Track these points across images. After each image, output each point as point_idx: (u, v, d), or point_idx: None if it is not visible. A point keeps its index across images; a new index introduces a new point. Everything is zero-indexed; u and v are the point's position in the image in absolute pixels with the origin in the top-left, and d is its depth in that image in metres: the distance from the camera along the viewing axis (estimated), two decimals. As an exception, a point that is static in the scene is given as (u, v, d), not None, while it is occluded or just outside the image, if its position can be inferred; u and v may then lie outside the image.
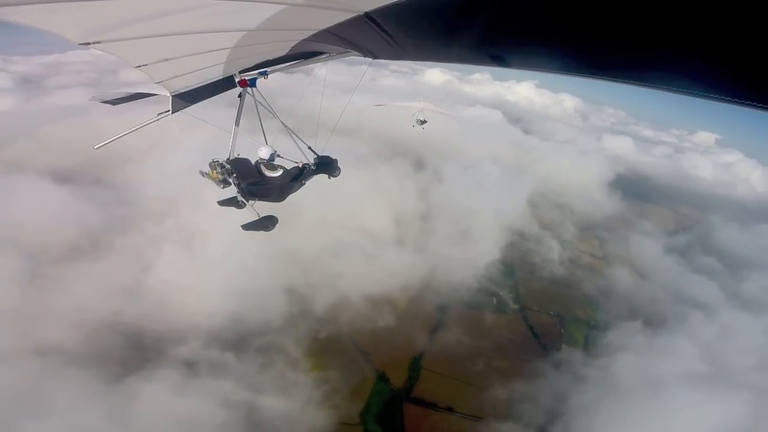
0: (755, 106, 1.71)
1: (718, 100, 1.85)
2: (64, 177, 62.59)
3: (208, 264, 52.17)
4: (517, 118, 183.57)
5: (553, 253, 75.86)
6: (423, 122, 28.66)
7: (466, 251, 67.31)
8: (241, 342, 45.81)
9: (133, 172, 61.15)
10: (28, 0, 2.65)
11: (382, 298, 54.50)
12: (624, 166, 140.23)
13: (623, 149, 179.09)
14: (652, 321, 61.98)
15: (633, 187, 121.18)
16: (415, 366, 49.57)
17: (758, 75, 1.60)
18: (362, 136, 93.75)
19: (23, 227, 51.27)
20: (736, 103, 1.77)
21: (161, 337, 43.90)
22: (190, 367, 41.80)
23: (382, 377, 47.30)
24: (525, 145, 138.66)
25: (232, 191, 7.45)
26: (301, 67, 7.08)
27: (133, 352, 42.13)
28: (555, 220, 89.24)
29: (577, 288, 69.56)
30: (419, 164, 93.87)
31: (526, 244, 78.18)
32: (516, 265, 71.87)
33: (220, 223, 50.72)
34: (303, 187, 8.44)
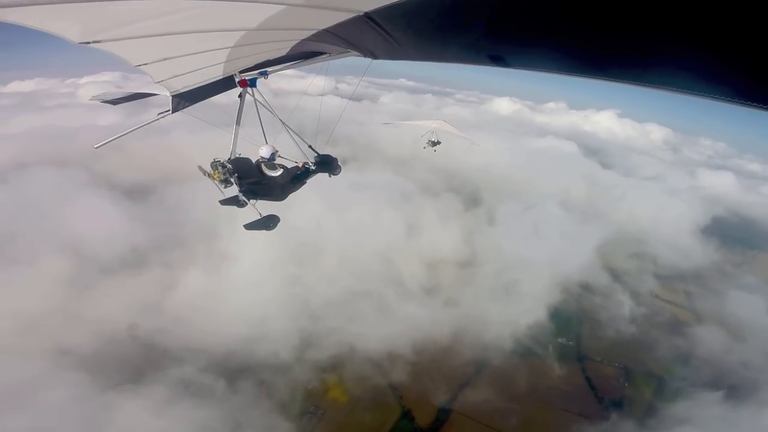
0: (755, 106, 1.77)
1: (718, 100, 1.92)
2: (133, 192, 70.68)
3: (230, 291, 54.90)
4: (595, 150, 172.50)
5: (623, 310, 68.52)
6: (436, 143, 26.42)
7: (507, 309, 61.82)
8: (239, 372, 46.93)
9: (192, 192, 66.93)
10: (28, 1, 2.77)
11: (393, 352, 52.61)
12: (723, 207, 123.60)
13: (723, 187, 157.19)
14: (738, 391, 53.78)
15: (734, 233, 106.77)
16: (446, 408, 48.05)
17: (758, 75, 1.66)
18: (416, 166, 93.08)
19: (84, 236, 58.66)
20: (736, 103, 1.83)
21: (167, 354, 46.52)
22: (181, 388, 43.43)
23: (407, 414, 46.39)
24: (602, 181, 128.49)
25: (234, 191, 7.73)
26: (304, 66, 7.33)
27: (136, 364, 44.96)
28: (631, 272, 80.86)
29: (648, 348, 62.31)
30: (472, 201, 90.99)
31: (591, 298, 71.06)
32: (575, 320, 66.06)
33: (249, 253, 55.24)
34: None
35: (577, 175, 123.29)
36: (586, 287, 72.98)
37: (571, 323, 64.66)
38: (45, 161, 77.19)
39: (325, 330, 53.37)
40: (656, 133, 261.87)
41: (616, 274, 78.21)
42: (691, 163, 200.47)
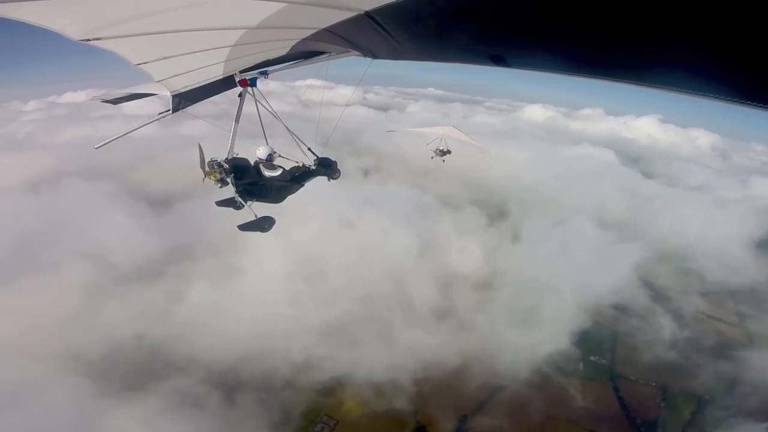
0: (755, 106, 1.79)
1: (718, 99, 1.95)
2: (159, 203, 74.05)
3: (236, 304, 55.76)
4: (635, 158, 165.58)
5: (663, 333, 64.37)
6: (444, 153, 24.38)
7: (526, 337, 58.37)
8: (237, 387, 47.27)
9: (212, 204, 69.68)
10: (28, -4, 2.95)
11: (397, 378, 51.28)
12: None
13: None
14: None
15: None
16: (462, 424, 48.11)
17: (758, 75, 1.69)
18: (440, 177, 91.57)
19: (107, 246, 61.58)
20: (736, 102, 1.86)
21: (168, 364, 47.61)
22: (177, 398, 44.00)
23: (421, 429, 46.70)
24: (642, 192, 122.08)
25: (231, 191, 7.77)
26: (304, 67, 7.43)
27: (137, 373, 46.13)
28: (674, 291, 76.24)
29: (690, 370, 58.48)
30: (497, 215, 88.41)
31: (627, 321, 67.28)
32: (606, 342, 62.91)
33: (258, 267, 56.54)
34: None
35: (615, 186, 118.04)
36: (622, 309, 69.38)
37: (603, 344, 62.20)
38: (80, 172, 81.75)
39: (327, 351, 53.20)
40: (702, 138, 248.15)
41: (656, 294, 74.24)
42: (743, 170, 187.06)
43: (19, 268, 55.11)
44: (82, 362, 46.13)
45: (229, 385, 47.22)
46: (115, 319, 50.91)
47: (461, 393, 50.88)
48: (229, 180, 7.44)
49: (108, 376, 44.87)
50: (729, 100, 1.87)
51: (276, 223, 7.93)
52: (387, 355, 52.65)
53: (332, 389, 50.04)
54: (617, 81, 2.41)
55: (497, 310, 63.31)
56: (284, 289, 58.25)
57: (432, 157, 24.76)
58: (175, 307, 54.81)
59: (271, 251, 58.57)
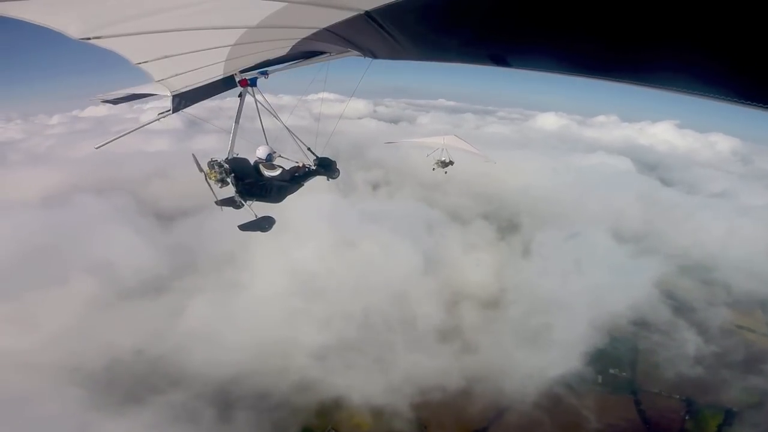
0: (755, 106, 1.80)
1: (718, 99, 1.96)
2: (168, 218, 75.20)
3: (236, 321, 55.92)
4: (652, 165, 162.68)
5: (687, 347, 62.35)
6: (447, 164, 23.34)
7: (537, 357, 56.60)
8: (231, 404, 47.24)
9: (219, 219, 70.74)
10: (28, -6, 3.02)
11: (394, 403, 50.36)
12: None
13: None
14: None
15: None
16: None
17: (758, 75, 1.70)
18: (449, 190, 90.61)
19: (113, 261, 62.79)
20: (736, 103, 1.87)
21: (166, 378, 47.99)
22: (170, 413, 44.05)
23: None
24: (661, 200, 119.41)
25: (230, 191, 7.87)
26: (302, 66, 7.50)
27: (133, 386, 46.58)
28: (698, 303, 73.95)
29: (717, 385, 56.42)
30: (508, 229, 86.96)
31: (649, 337, 65.37)
32: (626, 359, 60.99)
33: (260, 283, 57.04)
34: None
35: (632, 195, 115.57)
36: (642, 325, 67.46)
37: (623, 360, 60.72)
38: (93, 186, 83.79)
39: (325, 371, 52.71)
40: (722, 143, 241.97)
41: (680, 308, 72.12)
42: (767, 175, 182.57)
43: (26, 280, 56.45)
44: (82, 374, 47.01)
45: (225, 402, 47.45)
46: (116, 333, 51.74)
47: (471, 413, 50.12)
48: (229, 180, 7.56)
49: (106, 389, 45.55)
50: (730, 100, 1.88)
51: (276, 222, 8.03)
52: (388, 377, 51.97)
53: (330, 410, 49.50)
54: (618, 81, 2.41)
55: (506, 329, 61.74)
56: (284, 306, 58.29)
57: (433, 169, 23.85)
58: (176, 323, 55.45)
59: (274, 268, 59.03)
